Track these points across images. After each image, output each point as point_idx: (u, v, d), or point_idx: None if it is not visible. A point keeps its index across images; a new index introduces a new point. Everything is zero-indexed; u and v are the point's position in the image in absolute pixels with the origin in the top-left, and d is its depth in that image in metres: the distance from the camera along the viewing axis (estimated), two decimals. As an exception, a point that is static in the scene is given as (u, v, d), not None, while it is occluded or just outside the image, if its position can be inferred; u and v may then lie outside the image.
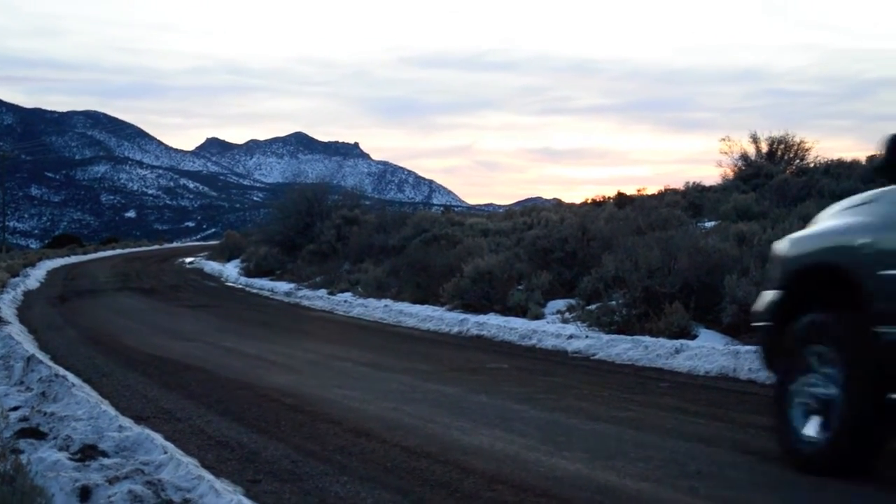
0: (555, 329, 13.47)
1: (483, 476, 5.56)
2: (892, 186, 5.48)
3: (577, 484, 5.39)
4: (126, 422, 6.64)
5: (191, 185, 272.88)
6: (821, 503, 5.09)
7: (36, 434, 6.32)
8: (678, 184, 31.45)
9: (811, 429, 5.50)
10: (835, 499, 5.10)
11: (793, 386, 5.67)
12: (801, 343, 5.62)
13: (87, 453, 5.69)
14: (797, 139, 31.44)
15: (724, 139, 31.11)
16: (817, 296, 5.67)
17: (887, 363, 5.02)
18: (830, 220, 5.94)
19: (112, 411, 7.09)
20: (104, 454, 5.72)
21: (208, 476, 5.11)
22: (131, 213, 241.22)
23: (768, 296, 6.14)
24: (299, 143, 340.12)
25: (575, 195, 64.94)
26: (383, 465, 5.86)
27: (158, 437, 6.07)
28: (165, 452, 5.62)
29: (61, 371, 8.89)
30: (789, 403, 5.68)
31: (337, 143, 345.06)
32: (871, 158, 28.16)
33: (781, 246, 6.22)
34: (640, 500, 5.09)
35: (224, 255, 39.30)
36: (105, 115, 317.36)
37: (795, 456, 5.60)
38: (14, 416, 6.91)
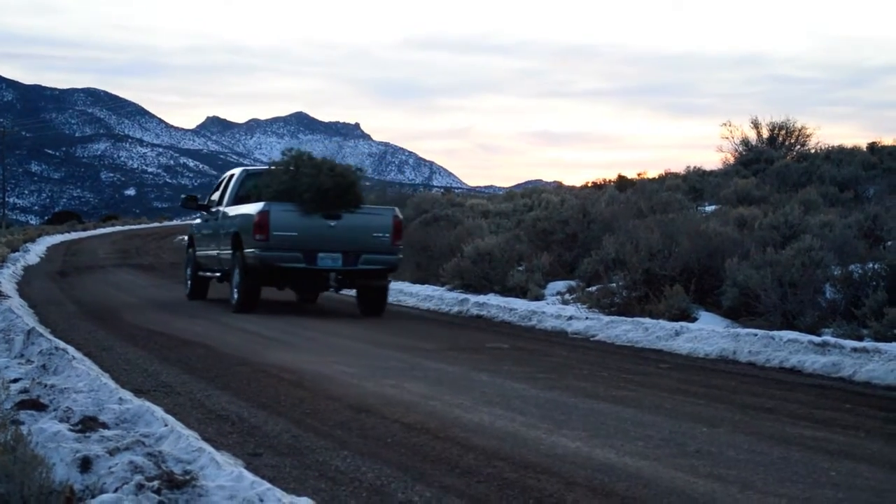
0: (554, 310, 13.48)
1: (483, 452, 5.57)
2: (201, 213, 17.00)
3: (576, 462, 5.41)
4: (126, 395, 6.62)
5: (191, 163, 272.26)
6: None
7: (36, 405, 6.31)
8: (679, 168, 31.46)
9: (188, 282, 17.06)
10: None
11: (189, 270, 16.84)
12: (189, 260, 16.92)
13: (88, 425, 5.68)
14: (798, 125, 31.42)
15: (725, 124, 31.13)
16: (190, 242, 17.04)
17: (200, 264, 16.30)
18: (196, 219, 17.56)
19: (112, 384, 7.08)
20: (104, 426, 5.70)
21: (209, 449, 5.10)
22: (131, 191, 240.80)
23: (185, 241, 18.67)
24: (300, 122, 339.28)
25: (576, 178, 65.20)
26: (383, 441, 5.87)
27: (159, 410, 6.06)
28: (166, 425, 5.61)
29: (61, 344, 8.86)
30: (189, 267, 17.01)
31: (338, 123, 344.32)
32: (871, 146, 28.18)
33: (191, 226, 17.76)
34: (640, 477, 5.10)
35: (224, 233, 39.29)
36: (105, 93, 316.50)
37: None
38: (15, 387, 6.88)
